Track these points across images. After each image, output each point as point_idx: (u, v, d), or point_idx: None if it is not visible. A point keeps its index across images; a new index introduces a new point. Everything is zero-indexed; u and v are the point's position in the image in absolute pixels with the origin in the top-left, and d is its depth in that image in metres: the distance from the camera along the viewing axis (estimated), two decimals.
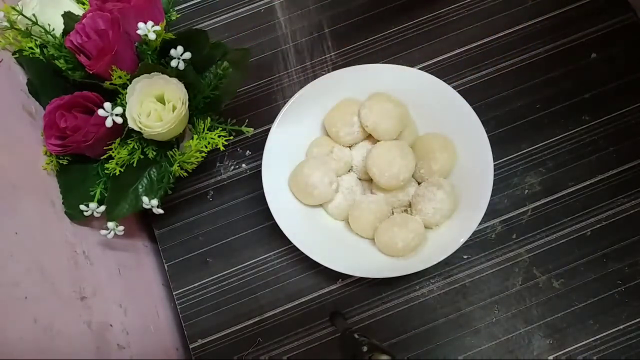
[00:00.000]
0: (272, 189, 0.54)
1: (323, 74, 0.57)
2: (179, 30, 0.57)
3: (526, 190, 0.59)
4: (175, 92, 0.49)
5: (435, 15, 0.65)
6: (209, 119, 0.54)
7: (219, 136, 0.53)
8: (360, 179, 0.58)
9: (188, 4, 0.69)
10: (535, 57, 0.63)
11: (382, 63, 0.62)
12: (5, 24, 0.50)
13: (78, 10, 0.54)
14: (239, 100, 0.65)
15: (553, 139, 0.60)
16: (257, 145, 0.63)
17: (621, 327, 0.54)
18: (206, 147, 0.53)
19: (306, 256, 0.52)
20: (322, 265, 0.51)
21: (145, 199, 0.51)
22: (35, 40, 0.51)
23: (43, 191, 0.50)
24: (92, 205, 0.50)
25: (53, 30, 0.51)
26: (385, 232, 0.53)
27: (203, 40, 0.54)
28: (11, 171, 0.46)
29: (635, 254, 0.56)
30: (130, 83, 0.49)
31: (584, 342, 0.54)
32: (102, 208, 0.51)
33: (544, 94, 0.62)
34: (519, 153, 0.60)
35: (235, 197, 0.62)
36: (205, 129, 0.53)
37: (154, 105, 0.49)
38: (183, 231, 0.61)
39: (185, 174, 0.54)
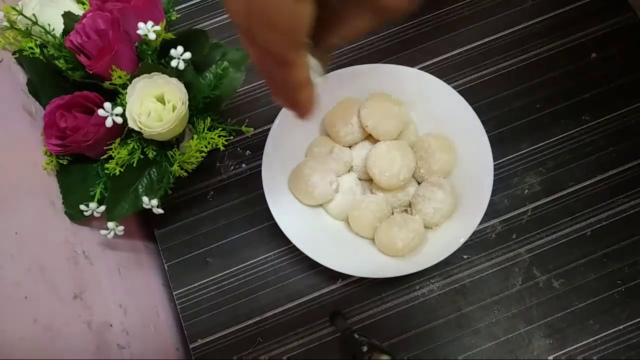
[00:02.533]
0: (272, 189, 0.54)
1: None
2: (179, 30, 0.57)
3: (526, 190, 0.59)
4: (175, 92, 0.50)
5: (435, 15, 0.65)
6: (209, 119, 0.54)
7: (219, 136, 0.53)
8: (360, 179, 0.58)
9: (188, 4, 0.69)
10: (535, 57, 0.63)
11: (382, 63, 0.62)
12: (5, 24, 0.50)
13: (78, 10, 0.54)
14: (239, 100, 0.65)
15: (553, 139, 0.60)
16: (257, 145, 0.63)
17: (621, 327, 0.54)
18: (206, 147, 0.53)
19: (306, 256, 0.52)
20: (322, 265, 0.51)
21: (145, 199, 0.51)
22: (35, 40, 0.51)
23: (43, 191, 0.50)
24: (92, 205, 0.50)
25: (53, 30, 0.51)
26: (385, 232, 0.53)
27: (203, 40, 0.54)
28: (11, 171, 0.46)
29: (635, 254, 0.56)
30: (130, 83, 0.49)
31: (584, 342, 0.54)
32: (102, 208, 0.51)
33: (544, 94, 0.62)
34: (519, 153, 0.60)
35: (235, 197, 0.62)
36: (205, 129, 0.53)
37: (154, 105, 0.49)
38: (183, 231, 0.61)
39: (185, 174, 0.54)
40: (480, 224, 0.52)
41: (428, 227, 0.54)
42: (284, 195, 0.56)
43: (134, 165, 0.51)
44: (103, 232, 0.52)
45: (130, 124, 0.49)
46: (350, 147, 0.59)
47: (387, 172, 0.53)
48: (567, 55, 0.63)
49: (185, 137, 0.57)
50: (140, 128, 0.49)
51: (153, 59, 0.52)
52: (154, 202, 0.52)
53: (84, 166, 0.53)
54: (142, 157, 0.52)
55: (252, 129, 0.55)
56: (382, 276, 0.52)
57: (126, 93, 0.49)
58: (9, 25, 0.50)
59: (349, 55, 0.65)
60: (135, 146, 0.52)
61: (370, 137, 0.58)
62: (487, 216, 0.54)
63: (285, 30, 0.24)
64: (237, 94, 0.64)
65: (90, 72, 0.49)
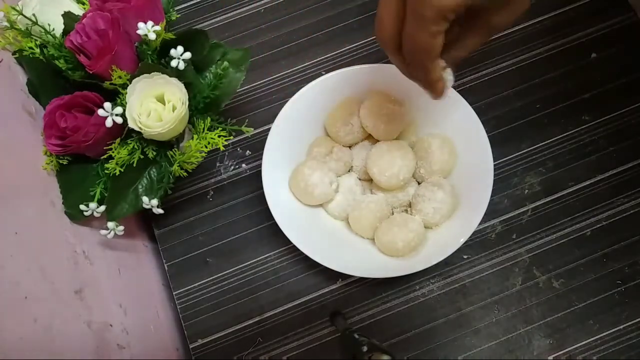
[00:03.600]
0: (272, 189, 0.54)
1: (323, 74, 0.57)
2: (179, 30, 0.57)
3: (526, 190, 0.59)
4: (175, 92, 0.49)
5: None
6: (209, 119, 0.54)
7: (219, 136, 0.53)
8: (360, 179, 0.58)
9: (188, 4, 0.69)
10: (535, 57, 0.63)
11: (382, 63, 0.62)
12: (5, 24, 0.50)
13: (78, 10, 0.54)
14: (239, 100, 0.65)
15: (553, 139, 0.60)
16: (257, 145, 0.63)
17: (621, 327, 0.54)
18: (206, 147, 0.53)
19: (306, 256, 0.52)
20: (322, 265, 0.51)
21: (145, 199, 0.51)
22: (35, 40, 0.51)
23: (43, 191, 0.50)
24: (92, 205, 0.50)
25: (53, 30, 0.51)
26: (385, 232, 0.53)
27: (203, 40, 0.54)
28: (11, 171, 0.46)
29: (635, 254, 0.56)
30: (130, 83, 0.49)
31: (584, 342, 0.54)
32: (102, 208, 0.51)
33: (544, 94, 0.62)
34: (519, 153, 0.60)
35: (235, 197, 0.62)
36: (205, 129, 0.53)
37: (154, 105, 0.49)
38: (183, 231, 0.61)
39: (185, 174, 0.54)
40: (480, 224, 0.52)
41: (428, 227, 0.54)
42: (284, 195, 0.56)
43: (134, 165, 0.51)
44: (103, 232, 0.52)
45: (130, 124, 0.49)
46: (350, 147, 0.59)
47: (387, 172, 0.53)
48: (567, 55, 0.63)
49: (185, 137, 0.57)
50: (140, 128, 0.49)
51: (153, 59, 0.52)
52: (154, 202, 0.52)
53: (84, 166, 0.53)
54: (142, 157, 0.52)
55: (252, 129, 0.55)
56: (382, 276, 0.52)
57: (126, 93, 0.49)
58: (9, 25, 0.50)
59: (349, 55, 0.65)
60: (135, 146, 0.52)
61: (370, 137, 0.58)
62: (487, 216, 0.54)
63: (426, 53, 0.38)
64: (237, 94, 0.64)
65: (90, 72, 0.49)
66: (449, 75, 0.43)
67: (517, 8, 0.38)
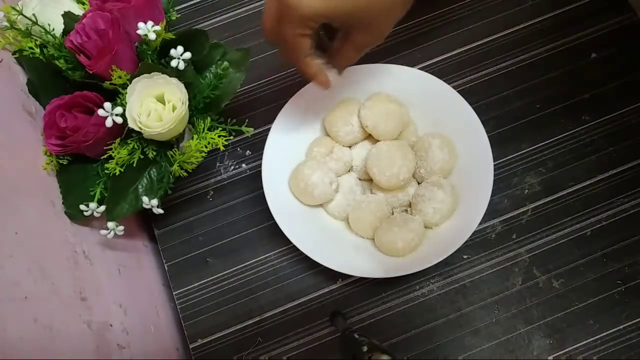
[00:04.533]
0: (272, 189, 0.54)
1: None
2: (179, 30, 0.57)
3: (526, 190, 0.59)
4: (175, 92, 0.50)
5: (435, 15, 0.65)
6: (209, 119, 0.54)
7: (219, 136, 0.53)
8: (360, 179, 0.58)
9: (188, 4, 0.69)
10: (535, 57, 0.63)
11: (382, 63, 0.62)
12: (5, 24, 0.50)
13: (78, 10, 0.54)
14: (239, 100, 0.65)
15: (553, 139, 0.60)
16: (257, 145, 0.63)
17: (621, 327, 0.54)
18: (206, 147, 0.53)
19: (306, 256, 0.52)
20: (322, 265, 0.51)
21: (145, 199, 0.51)
22: (35, 40, 0.51)
23: (43, 191, 0.50)
24: (92, 205, 0.50)
25: (53, 30, 0.51)
26: (385, 232, 0.53)
27: (203, 40, 0.54)
28: (11, 171, 0.46)
29: (635, 254, 0.56)
30: (130, 83, 0.49)
31: (584, 342, 0.54)
32: (102, 208, 0.51)
33: (544, 94, 0.62)
34: (519, 153, 0.60)
35: (235, 197, 0.62)
36: (205, 129, 0.53)
37: (154, 105, 0.49)
38: (183, 231, 0.61)
39: (185, 174, 0.54)
40: (480, 224, 0.52)
41: (428, 227, 0.54)
42: (284, 195, 0.56)
43: (134, 165, 0.51)
44: (103, 232, 0.52)
45: (130, 124, 0.49)
46: (350, 147, 0.59)
47: (387, 172, 0.53)
48: (567, 55, 0.63)
49: (185, 137, 0.57)
50: (140, 128, 0.49)
51: (153, 59, 0.52)
52: (154, 202, 0.52)
53: (84, 166, 0.53)
54: (142, 157, 0.52)
55: (252, 129, 0.55)
56: (382, 276, 0.52)
57: (126, 93, 0.49)
58: (9, 25, 0.50)
59: None
60: (135, 146, 0.52)
61: (370, 137, 0.58)
62: (487, 216, 0.54)
63: (294, 50, 0.45)
64: (237, 94, 0.64)
65: (90, 72, 0.49)
66: (333, 73, 0.49)
67: (377, 34, 0.46)
